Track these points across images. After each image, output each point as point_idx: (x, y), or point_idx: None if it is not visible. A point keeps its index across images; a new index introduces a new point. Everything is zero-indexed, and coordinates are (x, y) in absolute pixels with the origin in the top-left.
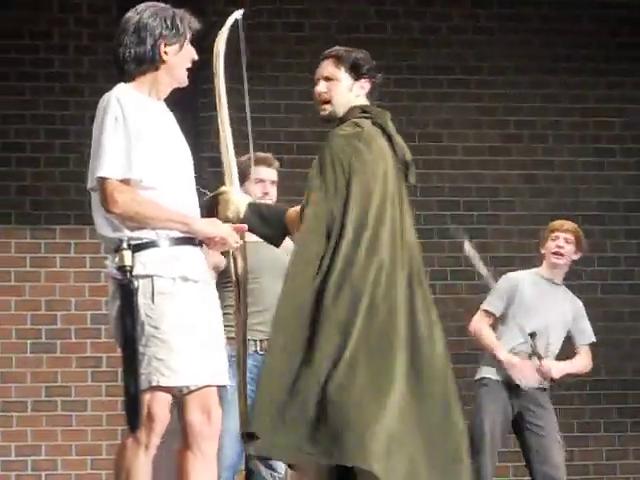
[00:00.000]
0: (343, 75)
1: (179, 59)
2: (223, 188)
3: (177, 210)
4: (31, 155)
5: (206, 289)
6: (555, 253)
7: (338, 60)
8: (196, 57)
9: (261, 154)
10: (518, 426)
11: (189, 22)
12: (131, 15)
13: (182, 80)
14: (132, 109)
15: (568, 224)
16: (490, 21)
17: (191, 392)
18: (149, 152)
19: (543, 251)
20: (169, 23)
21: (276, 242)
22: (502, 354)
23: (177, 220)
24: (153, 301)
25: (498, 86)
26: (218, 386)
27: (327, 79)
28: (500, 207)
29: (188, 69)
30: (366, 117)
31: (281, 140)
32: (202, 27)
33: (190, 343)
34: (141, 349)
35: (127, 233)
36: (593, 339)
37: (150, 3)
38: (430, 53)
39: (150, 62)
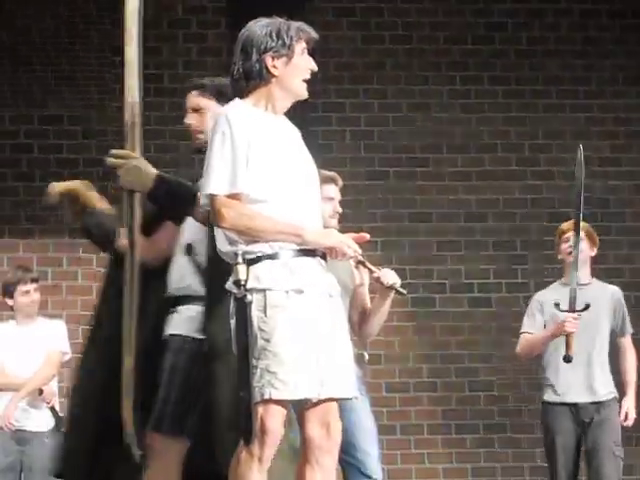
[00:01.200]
0: (212, 104)
1: (290, 71)
2: (124, 152)
3: (290, 222)
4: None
5: (325, 302)
6: (570, 253)
7: (204, 90)
8: (315, 68)
9: (327, 172)
10: (581, 442)
11: (299, 32)
12: (242, 31)
13: (298, 93)
14: (240, 124)
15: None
16: (599, 32)
17: (309, 405)
18: (258, 165)
19: (560, 256)
20: (274, 35)
21: (180, 220)
22: (549, 331)
23: (288, 232)
24: (266, 314)
25: (607, 96)
26: (339, 399)
27: (195, 110)
28: (611, 218)
29: (307, 80)
30: None
31: (389, 153)
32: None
33: (302, 356)
34: (254, 362)
35: (242, 247)
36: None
37: (261, 18)
38: (538, 64)
39: (259, 77)
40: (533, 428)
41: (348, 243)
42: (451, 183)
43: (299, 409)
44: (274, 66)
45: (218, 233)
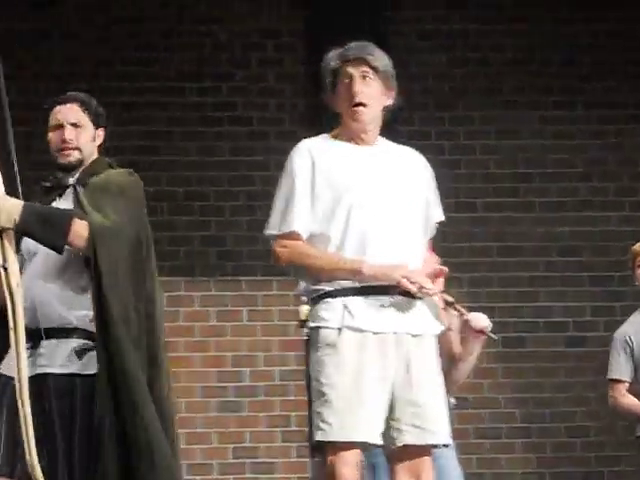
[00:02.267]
0: (90, 123)
1: (337, 100)
2: None
3: (349, 257)
4: (215, 204)
5: (393, 342)
6: None
7: (86, 107)
8: (354, 90)
9: None
10: None
11: (336, 59)
12: None
13: (350, 117)
14: (303, 159)
15: None
16: None
17: (395, 454)
18: (321, 200)
19: (637, 282)
20: (323, 68)
21: (60, 248)
22: None
23: (346, 268)
24: (318, 353)
25: None
26: (423, 446)
27: (74, 125)
28: None
29: (359, 104)
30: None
31: (477, 184)
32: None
33: (350, 397)
34: (311, 403)
35: (304, 286)
36: None
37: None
38: (635, 86)
39: (333, 108)
40: (632, 476)
41: (413, 279)
42: (543, 214)
43: (388, 457)
44: (330, 98)
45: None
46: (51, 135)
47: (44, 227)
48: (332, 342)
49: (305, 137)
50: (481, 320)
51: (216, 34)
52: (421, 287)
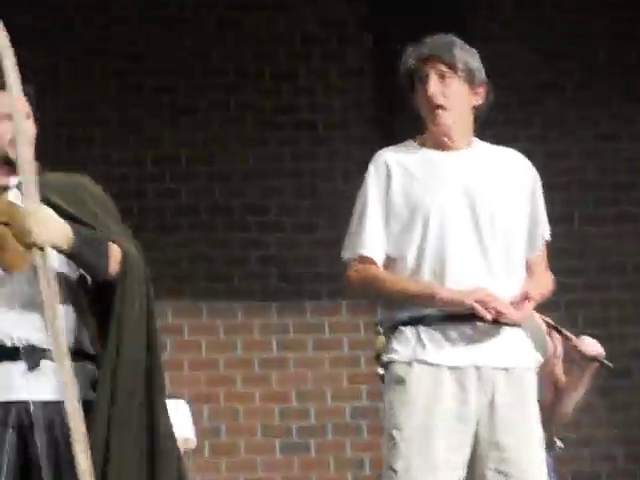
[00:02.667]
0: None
1: (418, 102)
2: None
3: (425, 282)
4: (275, 218)
5: (473, 376)
6: None
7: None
8: (429, 91)
9: None
10: None
11: (410, 57)
12: None
13: (431, 122)
14: (378, 174)
15: None
16: None
17: None
18: (396, 220)
19: None
20: (401, 69)
21: (105, 274)
22: None
23: (420, 293)
24: (388, 390)
25: None
26: None
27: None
28: None
29: (437, 106)
30: None
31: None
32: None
33: (417, 437)
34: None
35: (379, 315)
36: None
37: None
38: None
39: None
40: None
41: (490, 304)
42: None
43: None
44: (412, 100)
45: None
46: None
47: (92, 249)
48: (401, 378)
49: (375, 142)
50: (591, 346)
51: (277, 25)
52: (499, 313)
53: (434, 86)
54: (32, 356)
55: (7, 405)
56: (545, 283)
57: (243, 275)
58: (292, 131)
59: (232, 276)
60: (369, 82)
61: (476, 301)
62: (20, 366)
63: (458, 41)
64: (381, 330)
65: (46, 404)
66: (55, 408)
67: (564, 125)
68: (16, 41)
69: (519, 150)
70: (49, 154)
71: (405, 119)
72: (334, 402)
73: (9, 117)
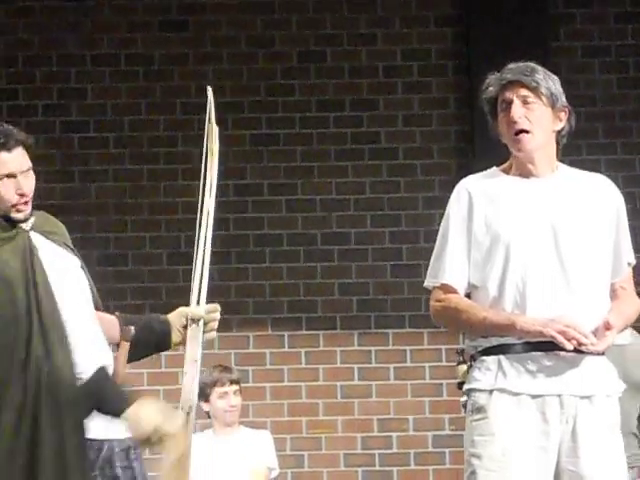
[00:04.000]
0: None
1: (500, 128)
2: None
3: (506, 312)
4: (355, 247)
5: (556, 405)
6: None
7: (28, 148)
8: (512, 118)
9: None
10: None
11: (492, 84)
12: None
13: (514, 147)
14: (460, 203)
15: None
16: None
17: None
18: (478, 249)
19: None
20: (482, 97)
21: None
22: None
23: (498, 322)
24: (469, 419)
25: None
26: None
27: (26, 172)
28: None
29: (520, 131)
30: None
31: None
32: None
33: (497, 468)
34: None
35: (462, 344)
36: None
37: None
38: None
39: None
40: None
41: (569, 334)
42: None
43: None
44: (494, 128)
45: None
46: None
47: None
48: (482, 406)
49: (455, 170)
50: None
51: (357, 57)
52: (580, 342)
53: (518, 111)
54: None
55: None
56: (630, 308)
57: (325, 303)
58: (372, 160)
59: (315, 304)
60: (451, 111)
61: (556, 331)
62: None
63: (539, 67)
64: (462, 359)
65: None
66: None
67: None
68: None
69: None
70: None
71: (485, 148)
72: (416, 431)
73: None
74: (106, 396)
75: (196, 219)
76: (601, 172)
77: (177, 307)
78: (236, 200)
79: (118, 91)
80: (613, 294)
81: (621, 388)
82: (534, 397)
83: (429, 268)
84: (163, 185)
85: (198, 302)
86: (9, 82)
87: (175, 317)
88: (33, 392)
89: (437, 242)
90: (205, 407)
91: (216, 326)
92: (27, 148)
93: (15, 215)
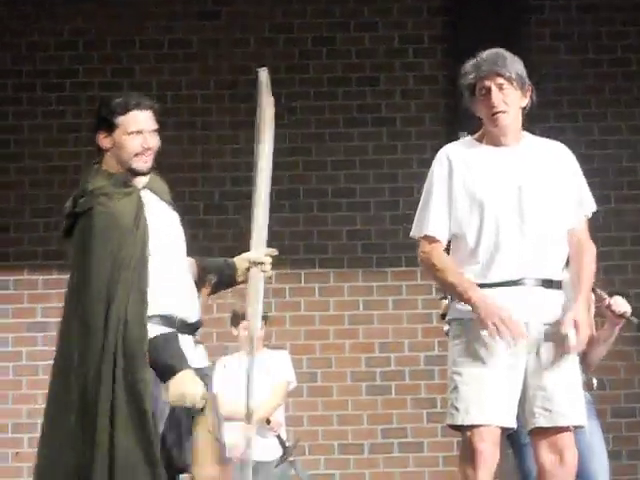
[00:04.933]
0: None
1: (478, 108)
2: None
3: (468, 283)
4: (361, 200)
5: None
6: None
7: (155, 112)
8: (493, 101)
9: None
10: None
11: (470, 73)
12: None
13: (491, 124)
14: (442, 168)
15: None
16: None
17: (537, 433)
18: (457, 207)
19: None
20: (461, 84)
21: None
22: None
23: (458, 291)
24: (450, 343)
25: None
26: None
27: (154, 132)
28: None
29: (500, 112)
30: None
31: (610, 176)
32: None
33: (473, 383)
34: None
35: None
36: None
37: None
38: None
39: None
40: None
41: (502, 328)
42: None
43: (531, 436)
44: (471, 106)
45: None
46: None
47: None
48: (462, 333)
49: (443, 136)
50: (622, 305)
51: (361, 41)
52: (513, 336)
53: (496, 96)
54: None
55: None
56: (587, 267)
57: (335, 247)
58: (374, 127)
59: (326, 247)
60: (441, 87)
61: (492, 323)
62: None
63: (508, 54)
64: (444, 294)
65: None
66: None
67: (603, 120)
68: None
69: (568, 141)
70: None
71: (467, 118)
72: (411, 352)
73: (155, 131)
74: (166, 357)
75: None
76: (566, 137)
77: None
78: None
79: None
80: (574, 239)
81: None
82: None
83: (415, 220)
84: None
85: (257, 247)
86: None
87: (240, 261)
88: (114, 340)
89: (422, 198)
90: (234, 332)
91: (270, 267)
92: (155, 112)
93: (137, 165)
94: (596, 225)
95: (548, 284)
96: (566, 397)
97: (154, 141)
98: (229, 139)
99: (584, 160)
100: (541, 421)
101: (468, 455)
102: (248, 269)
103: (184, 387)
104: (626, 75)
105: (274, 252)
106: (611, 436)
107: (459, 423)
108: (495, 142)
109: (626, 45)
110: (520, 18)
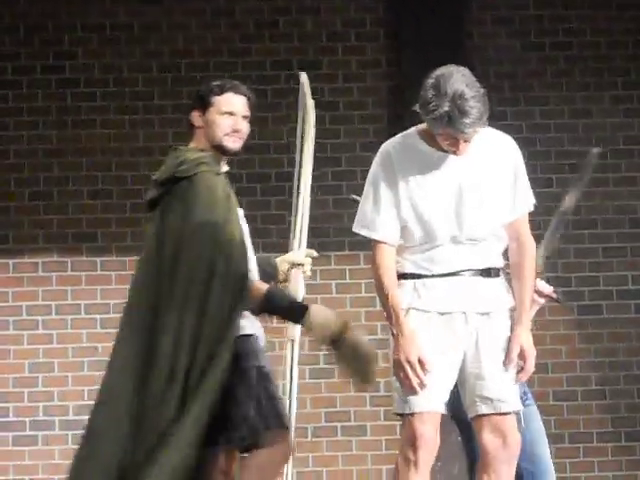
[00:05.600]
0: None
1: (436, 135)
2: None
3: (399, 314)
4: None
5: (460, 321)
6: None
7: (250, 100)
8: (458, 152)
9: None
10: None
11: (441, 123)
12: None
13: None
14: (386, 169)
15: None
16: None
17: (479, 418)
18: (400, 207)
19: None
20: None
21: None
22: None
23: (390, 315)
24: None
25: None
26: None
27: (245, 118)
28: None
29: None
30: None
31: (552, 160)
32: None
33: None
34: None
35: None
36: None
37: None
38: None
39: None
40: None
41: (409, 372)
42: (616, 189)
43: (473, 422)
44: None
45: None
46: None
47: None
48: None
49: (387, 120)
50: (545, 287)
51: (304, 24)
52: (412, 383)
53: (462, 149)
54: None
55: None
56: (528, 268)
57: (278, 231)
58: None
59: (270, 232)
60: (383, 71)
61: (404, 367)
62: None
63: (470, 94)
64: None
65: None
66: None
67: (545, 104)
68: None
69: (510, 125)
70: None
71: (411, 100)
72: None
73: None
74: (287, 301)
75: None
76: (507, 121)
77: None
78: None
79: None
80: (513, 232)
81: (513, 304)
82: (443, 314)
83: (362, 216)
84: None
85: (298, 249)
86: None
87: (280, 262)
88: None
89: (368, 194)
90: None
91: (309, 269)
92: (249, 102)
93: (227, 144)
94: (538, 210)
95: (486, 273)
96: (505, 385)
97: (244, 126)
98: (171, 123)
99: (526, 143)
100: (482, 409)
101: (410, 439)
102: (289, 270)
103: (323, 314)
104: (568, 58)
105: (314, 254)
106: (553, 419)
107: (401, 411)
108: (436, 144)
109: (567, 28)
110: (461, 3)
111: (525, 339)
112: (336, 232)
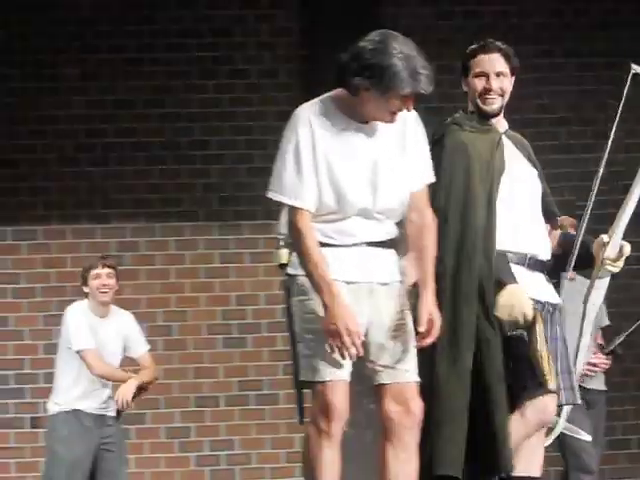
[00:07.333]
0: (509, 72)
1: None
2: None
3: (329, 278)
4: (216, 152)
5: (365, 291)
6: None
7: (507, 57)
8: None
9: None
10: None
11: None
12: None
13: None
14: (305, 134)
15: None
16: None
17: (381, 387)
18: (319, 172)
19: None
20: None
21: None
22: None
23: (319, 284)
24: (295, 299)
25: None
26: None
27: (499, 74)
28: None
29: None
30: None
31: None
32: None
33: (318, 342)
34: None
35: (281, 229)
36: None
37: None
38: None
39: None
40: None
41: (345, 338)
42: None
43: (375, 391)
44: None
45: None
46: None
47: None
48: (307, 290)
49: (298, 88)
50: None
51: None
52: (349, 353)
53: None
54: None
55: None
56: (428, 249)
57: (190, 199)
58: (229, 79)
59: (181, 200)
60: (293, 39)
61: (340, 334)
62: None
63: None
64: (283, 243)
65: None
66: None
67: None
68: None
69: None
70: None
71: (321, 70)
72: (267, 304)
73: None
74: (496, 272)
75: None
76: (431, 103)
77: None
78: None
79: None
80: (411, 209)
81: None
82: (349, 283)
83: (280, 180)
84: None
85: (613, 246)
86: None
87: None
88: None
89: (286, 157)
90: (85, 289)
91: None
92: (505, 57)
93: (482, 106)
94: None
95: (388, 245)
96: (407, 354)
97: (497, 83)
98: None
99: (435, 113)
100: (384, 377)
101: (323, 410)
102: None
103: (514, 298)
104: (476, 27)
105: (627, 253)
106: None
107: (311, 379)
108: (353, 115)
109: None
110: None
111: (432, 307)
112: (248, 201)
